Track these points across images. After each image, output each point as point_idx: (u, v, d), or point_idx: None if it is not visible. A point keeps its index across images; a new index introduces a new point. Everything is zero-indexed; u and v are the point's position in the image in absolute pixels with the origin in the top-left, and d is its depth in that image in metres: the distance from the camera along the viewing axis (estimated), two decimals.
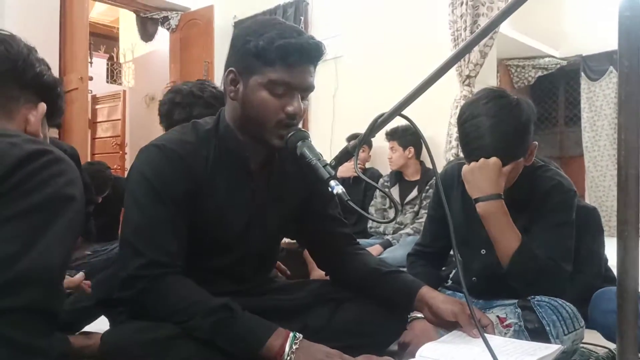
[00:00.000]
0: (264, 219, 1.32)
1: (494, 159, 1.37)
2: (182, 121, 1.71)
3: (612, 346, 1.45)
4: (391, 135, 3.59)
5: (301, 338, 1.09)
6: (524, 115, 1.39)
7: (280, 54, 1.14)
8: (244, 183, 1.28)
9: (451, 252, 1.79)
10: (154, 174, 1.16)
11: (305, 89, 1.21)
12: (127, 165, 6.69)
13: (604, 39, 4.71)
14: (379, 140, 3.60)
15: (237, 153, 1.26)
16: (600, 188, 5.01)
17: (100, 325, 1.60)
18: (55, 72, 1.11)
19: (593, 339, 1.56)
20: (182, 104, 1.71)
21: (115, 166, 6.83)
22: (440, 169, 1.80)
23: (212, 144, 1.25)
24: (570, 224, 1.46)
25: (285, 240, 2.53)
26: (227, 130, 1.26)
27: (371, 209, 3.65)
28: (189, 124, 1.30)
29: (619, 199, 0.64)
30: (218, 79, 5.24)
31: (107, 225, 3.34)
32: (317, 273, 2.34)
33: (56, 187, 0.76)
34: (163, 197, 1.15)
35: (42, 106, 0.98)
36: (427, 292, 1.29)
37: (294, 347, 1.06)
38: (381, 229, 3.55)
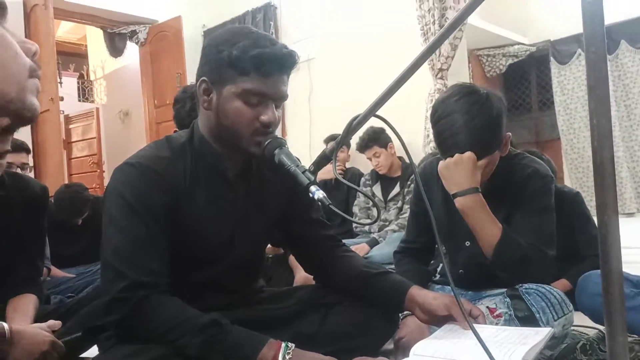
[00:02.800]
0: (247, 227, 1.31)
1: (468, 153, 1.38)
2: None
3: (602, 327, 1.47)
4: (366, 144, 3.52)
5: (293, 347, 1.08)
6: (495, 110, 1.40)
7: (254, 64, 1.13)
8: (224, 193, 1.26)
9: (437, 246, 1.80)
10: (131, 193, 1.14)
11: (279, 98, 1.20)
12: (107, 183, 6.58)
13: (570, 22, 4.78)
14: (358, 140, 3.60)
15: (215, 164, 1.25)
16: (579, 169, 5.09)
17: (92, 350, 1.57)
18: None
19: (582, 320, 1.58)
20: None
21: (94, 185, 6.74)
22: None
23: (188, 157, 1.23)
24: (550, 209, 1.47)
25: (270, 246, 2.53)
26: (202, 141, 1.25)
27: (355, 209, 3.66)
28: (163, 138, 1.28)
29: (596, 183, 0.64)
30: None
31: (90, 247, 3.28)
32: (301, 276, 2.35)
33: None
34: (142, 215, 1.13)
35: None
36: (416, 291, 1.29)
37: (287, 357, 1.05)
38: (366, 228, 3.56)
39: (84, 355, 1.65)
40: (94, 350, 1.41)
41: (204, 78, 1.20)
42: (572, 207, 2.20)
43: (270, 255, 3.15)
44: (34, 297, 1.60)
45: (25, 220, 1.64)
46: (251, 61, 1.13)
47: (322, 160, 1.16)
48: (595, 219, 0.72)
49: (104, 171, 7.07)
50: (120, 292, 1.08)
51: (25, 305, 1.55)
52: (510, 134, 1.48)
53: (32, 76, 0.65)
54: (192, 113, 1.94)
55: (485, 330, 1.12)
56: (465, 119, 1.38)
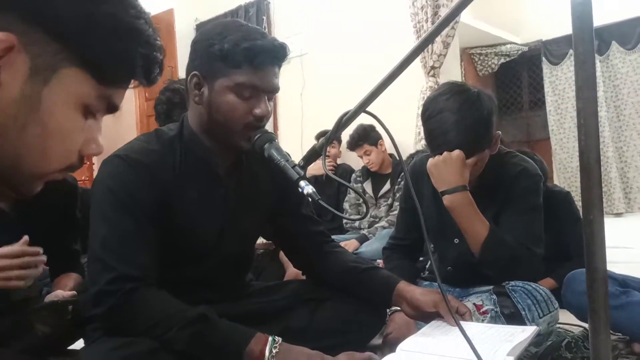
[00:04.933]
0: (237, 223, 1.30)
1: (456, 152, 1.39)
2: None
3: (587, 325, 1.48)
4: (356, 143, 3.52)
5: (280, 341, 1.08)
6: (485, 109, 1.41)
7: (246, 56, 1.13)
8: (213, 188, 1.26)
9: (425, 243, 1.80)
10: (119, 185, 1.13)
11: (272, 91, 1.20)
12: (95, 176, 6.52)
13: (562, 23, 4.79)
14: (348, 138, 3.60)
15: (204, 158, 1.24)
16: (568, 169, 5.12)
17: (80, 342, 1.56)
18: None
19: (568, 318, 1.59)
20: (181, 104, 1.70)
21: (83, 177, 6.67)
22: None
23: (177, 151, 1.23)
24: (539, 208, 1.48)
25: (262, 240, 2.52)
26: (192, 136, 1.24)
27: (345, 205, 3.66)
28: (153, 131, 1.28)
29: (583, 183, 0.65)
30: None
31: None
32: (292, 271, 2.35)
33: None
34: (130, 208, 1.12)
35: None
36: (404, 287, 1.30)
37: (274, 351, 1.05)
38: (357, 224, 3.56)
39: (71, 347, 1.65)
40: (81, 343, 1.41)
41: (195, 72, 1.19)
42: (563, 206, 2.22)
43: (261, 251, 3.15)
44: (75, 274, 1.72)
45: (58, 211, 1.74)
46: (243, 54, 1.12)
47: (312, 155, 1.16)
48: None
49: (93, 164, 7.00)
50: (107, 285, 1.07)
51: (64, 280, 1.67)
52: (500, 132, 1.49)
53: (63, 170, 0.60)
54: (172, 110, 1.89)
55: (472, 327, 1.12)
56: (455, 118, 1.38)
